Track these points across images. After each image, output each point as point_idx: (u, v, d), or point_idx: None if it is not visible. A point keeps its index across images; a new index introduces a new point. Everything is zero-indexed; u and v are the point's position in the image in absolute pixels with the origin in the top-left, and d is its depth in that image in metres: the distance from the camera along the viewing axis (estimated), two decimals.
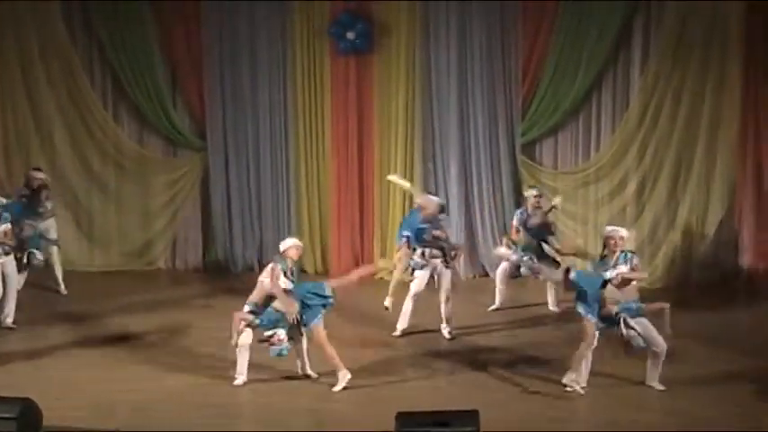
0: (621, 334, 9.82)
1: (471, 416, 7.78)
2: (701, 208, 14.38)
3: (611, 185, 14.67)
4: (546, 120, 14.79)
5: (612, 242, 10.04)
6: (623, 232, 10.19)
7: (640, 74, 14.41)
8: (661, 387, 10.02)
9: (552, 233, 12.95)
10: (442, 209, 12.24)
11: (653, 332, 9.87)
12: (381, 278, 14.07)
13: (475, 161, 15.01)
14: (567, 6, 14.34)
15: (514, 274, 12.94)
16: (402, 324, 12.09)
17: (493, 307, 13.13)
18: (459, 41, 14.86)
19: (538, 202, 12.99)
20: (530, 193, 13.23)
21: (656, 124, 14.39)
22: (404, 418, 7.70)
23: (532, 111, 14.80)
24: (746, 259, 14.37)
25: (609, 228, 10.39)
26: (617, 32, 14.33)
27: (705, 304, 13.52)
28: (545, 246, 12.73)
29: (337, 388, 10.13)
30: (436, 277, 12.04)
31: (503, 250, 13.03)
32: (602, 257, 10.16)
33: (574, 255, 12.12)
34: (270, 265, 10.35)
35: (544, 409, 9.74)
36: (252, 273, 14.20)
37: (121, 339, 12.03)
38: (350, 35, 14.75)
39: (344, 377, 10.17)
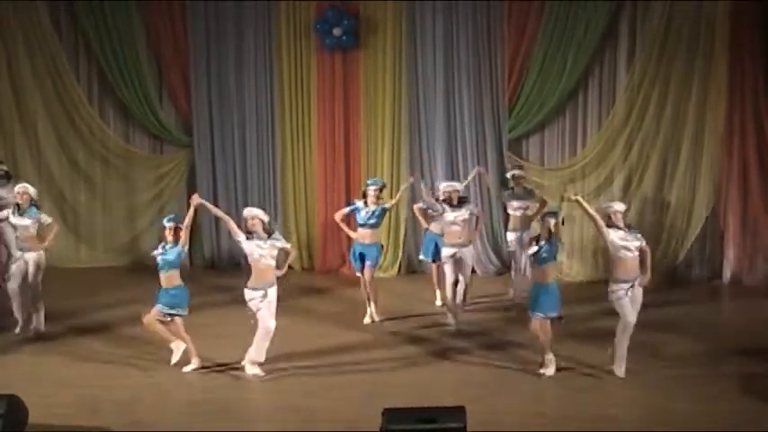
0: None
1: (458, 411, 7.80)
2: (687, 204, 14.42)
3: (598, 182, 14.69)
4: (532, 116, 14.80)
5: (606, 218, 10.30)
6: (618, 206, 10.45)
7: (626, 70, 14.44)
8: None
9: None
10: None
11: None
12: None
13: (461, 157, 15.03)
14: (553, 6, 14.35)
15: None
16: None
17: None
18: (446, 38, 14.86)
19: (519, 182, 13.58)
20: (512, 173, 13.74)
21: (642, 121, 14.42)
22: (391, 414, 7.70)
23: (519, 107, 14.81)
24: (732, 256, 14.42)
25: (604, 205, 10.69)
26: (603, 29, 14.34)
27: (690, 301, 13.57)
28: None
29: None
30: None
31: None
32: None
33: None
34: None
35: (530, 404, 9.78)
36: (238, 269, 14.18)
37: (107, 336, 12.02)
38: (336, 31, 14.74)
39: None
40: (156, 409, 9.65)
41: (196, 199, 10.75)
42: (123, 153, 15.78)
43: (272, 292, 10.43)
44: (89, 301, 13.48)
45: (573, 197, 10.38)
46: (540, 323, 10.34)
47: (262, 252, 10.30)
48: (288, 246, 10.69)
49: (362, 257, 12.35)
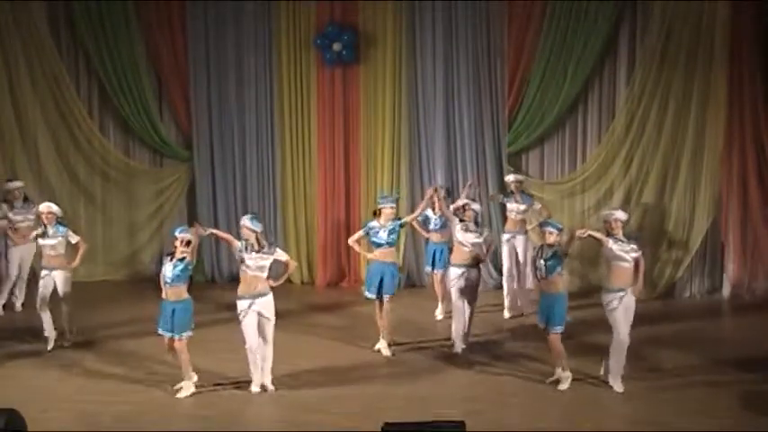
0: None
1: (457, 426, 7.78)
2: (687, 219, 14.42)
3: (598, 196, 14.69)
4: (532, 130, 14.81)
5: (607, 224, 10.39)
6: (620, 215, 10.48)
7: (626, 84, 14.46)
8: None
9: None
10: None
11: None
12: None
13: (461, 171, 15.03)
14: (553, 20, 14.38)
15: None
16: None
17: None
18: (446, 52, 14.90)
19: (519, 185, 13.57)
20: (510, 179, 13.70)
21: (642, 134, 14.44)
22: (390, 429, 7.68)
23: (519, 121, 14.82)
24: (732, 269, 14.40)
25: (606, 212, 10.77)
26: (602, 43, 14.38)
27: (690, 314, 13.57)
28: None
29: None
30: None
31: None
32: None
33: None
34: None
35: (530, 418, 9.76)
36: (237, 285, 14.18)
37: (107, 350, 12.01)
38: (336, 46, 14.77)
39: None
40: (156, 424, 9.62)
41: (200, 230, 10.67)
42: (123, 167, 15.80)
43: (262, 303, 10.30)
44: (89, 315, 13.43)
45: (583, 235, 10.46)
46: (558, 336, 10.36)
47: (248, 263, 10.26)
48: (284, 258, 10.50)
49: (381, 283, 11.64)
